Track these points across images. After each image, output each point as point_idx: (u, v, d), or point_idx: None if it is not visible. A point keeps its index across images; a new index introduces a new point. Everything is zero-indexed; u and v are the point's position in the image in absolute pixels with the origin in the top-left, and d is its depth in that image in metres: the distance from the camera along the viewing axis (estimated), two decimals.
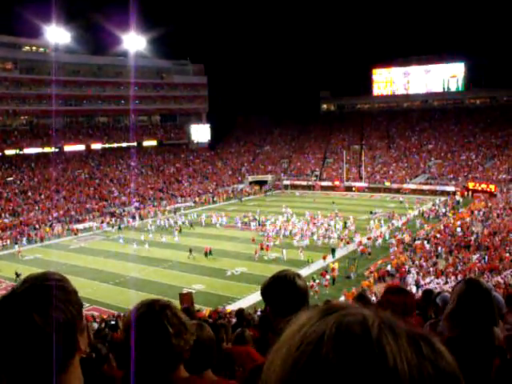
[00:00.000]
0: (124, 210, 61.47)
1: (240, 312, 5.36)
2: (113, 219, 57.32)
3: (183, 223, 53.95)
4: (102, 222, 55.96)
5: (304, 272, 35.60)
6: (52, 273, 1.39)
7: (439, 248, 38.43)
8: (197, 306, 25.38)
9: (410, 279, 31.64)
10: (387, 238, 44.34)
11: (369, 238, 43.49)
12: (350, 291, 31.20)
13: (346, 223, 49.51)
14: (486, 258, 34.19)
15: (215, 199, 71.91)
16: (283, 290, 2.54)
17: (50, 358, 1.22)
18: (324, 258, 38.65)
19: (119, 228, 53.12)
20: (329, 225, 49.18)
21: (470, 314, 2.39)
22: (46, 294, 1.28)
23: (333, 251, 40.47)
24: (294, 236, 45.91)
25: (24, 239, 48.08)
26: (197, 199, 70.25)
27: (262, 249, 41.45)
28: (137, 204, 64.67)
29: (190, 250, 41.20)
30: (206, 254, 40.88)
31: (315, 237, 45.14)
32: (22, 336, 1.21)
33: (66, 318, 1.27)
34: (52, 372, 1.23)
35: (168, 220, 55.28)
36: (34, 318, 1.22)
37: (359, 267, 36.51)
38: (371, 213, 54.06)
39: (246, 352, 3.51)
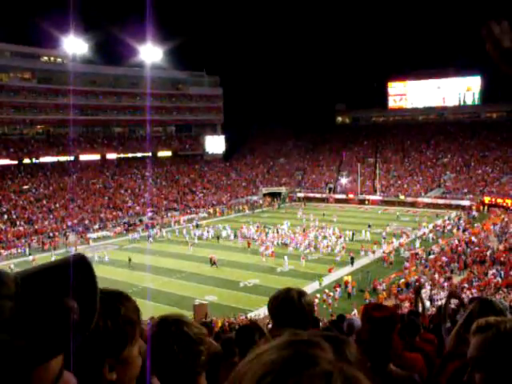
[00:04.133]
0: (141, 220, 61.80)
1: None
2: (139, 229, 58.12)
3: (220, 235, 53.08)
4: (128, 231, 57.34)
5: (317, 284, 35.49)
6: (117, 291, 1.37)
7: (453, 263, 38.09)
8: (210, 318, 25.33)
9: (424, 294, 31.28)
10: (417, 246, 45.12)
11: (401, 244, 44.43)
12: (363, 304, 30.95)
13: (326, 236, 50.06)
14: (502, 273, 33.74)
15: (241, 208, 72.92)
16: (286, 310, 2.52)
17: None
18: (330, 270, 38.64)
19: (148, 238, 53.37)
20: (323, 236, 50.04)
21: None
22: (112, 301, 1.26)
23: (352, 260, 40.68)
24: (289, 245, 47.07)
25: (27, 249, 48.48)
26: (211, 210, 70.33)
27: (269, 256, 43.44)
28: (150, 214, 64.92)
29: (130, 259, 42.46)
30: (211, 262, 41.51)
31: (312, 245, 46.43)
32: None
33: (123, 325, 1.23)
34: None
35: (205, 232, 54.68)
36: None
37: (372, 280, 36.18)
38: (369, 226, 53.50)
39: None
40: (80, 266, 1.00)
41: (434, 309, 25.31)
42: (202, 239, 52.28)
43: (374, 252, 43.75)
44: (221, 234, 53.49)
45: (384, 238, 48.04)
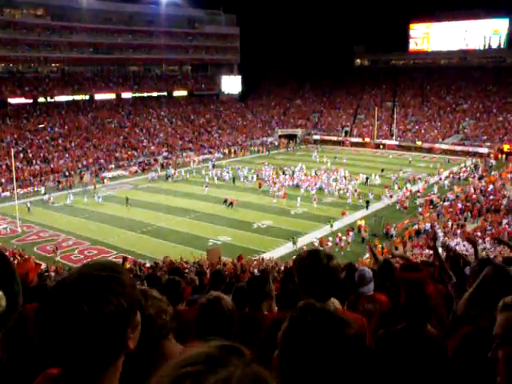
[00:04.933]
0: (156, 160, 62.09)
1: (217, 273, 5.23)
2: (157, 167, 58.68)
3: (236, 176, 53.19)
4: (144, 170, 58.23)
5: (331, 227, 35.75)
6: (109, 263, 1.32)
7: (467, 211, 37.95)
8: (223, 259, 25.66)
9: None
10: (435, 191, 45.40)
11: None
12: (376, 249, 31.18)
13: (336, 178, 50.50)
14: None
15: (256, 149, 73.31)
16: (313, 273, 2.45)
17: (96, 351, 1.19)
18: (343, 213, 38.76)
19: (166, 178, 53.66)
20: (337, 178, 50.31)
21: (496, 302, 2.28)
22: (96, 283, 1.23)
23: (367, 204, 40.86)
24: (301, 187, 47.37)
25: (43, 188, 48.31)
26: (226, 151, 70.33)
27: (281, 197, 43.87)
28: (165, 154, 65.10)
29: (127, 198, 42.65)
30: (226, 202, 41.91)
31: (325, 187, 47.08)
32: (69, 325, 1.17)
33: (116, 310, 1.21)
34: (95, 367, 1.21)
35: (225, 172, 54.90)
36: (83, 308, 1.17)
37: (384, 225, 36.23)
38: (382, 170, 53.83)
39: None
40: None
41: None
42: (222, 180, 52.58)
43: (391, 196, 43.77)
44: (238, 174, 53.76)
45: (397, 184, 47.99)
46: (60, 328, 1.17)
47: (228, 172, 54.48)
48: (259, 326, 3.24)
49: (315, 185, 47.40)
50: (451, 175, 52.12)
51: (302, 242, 33.37)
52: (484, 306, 2.34)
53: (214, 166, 58.81)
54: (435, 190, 45.60)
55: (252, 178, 52.07)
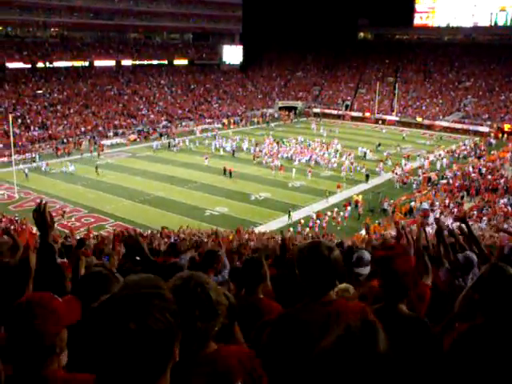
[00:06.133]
0: (155, 129, 61.82)
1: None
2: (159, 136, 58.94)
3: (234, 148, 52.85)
4: (146, 138, 58.38)
5: (328, 201, 35.84)
6: (150, 279, 1.33)
7: (464, 189, 37.96)
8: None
9: (432, 218, 31.37)
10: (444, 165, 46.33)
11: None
12: (372, 224, 31.31)
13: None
14: None
15: (256, 120, 73.06)
16: (314, 264, 2.37)
17: (145, 367, 1.22)
18: (338, 187, 38.72)
19: (169, 146, 53.54)
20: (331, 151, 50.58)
21: (492, 301, 2.30)
22: (143, 302, 1.25)
23: (367, 177, 40.89)
24: (295, 159, 47.49)
25: (37, 155, 47.76)
26: (225, 121, 69.87)
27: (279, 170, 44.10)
28: (164, 123, 64.76)
29: (96, 167, 42.81)
30: (224, 171, 42.25)
31: (319, 160, 47.24)
32: (118, 344, 1.19)
33: (163, 326, 1.24)
34: (146, 381, 1.24)
35: (228, 143, 54.95)
36: (130, 327, 1.20)
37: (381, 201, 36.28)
38: (378, 145, 53.68)
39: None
40: None
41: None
42: (225, 151, 52.45)
43: (393, 171, 43.74)
44: (241, 145, 53.97)
45: (390, 159, 47.87)
46: (113, 348, 1.19)
47: (232, 144, 54.35)
48: (256, 310, 3.26)
49: (310, 158, 47.42)
50: (450, 153, 52.00)
51: (300, 215, 33.49)
52: (481, 305, 2.34)
53: (215, 137, 58.51)
54: (438, 167, 45.66)
55: (254, 149, 51.85)
